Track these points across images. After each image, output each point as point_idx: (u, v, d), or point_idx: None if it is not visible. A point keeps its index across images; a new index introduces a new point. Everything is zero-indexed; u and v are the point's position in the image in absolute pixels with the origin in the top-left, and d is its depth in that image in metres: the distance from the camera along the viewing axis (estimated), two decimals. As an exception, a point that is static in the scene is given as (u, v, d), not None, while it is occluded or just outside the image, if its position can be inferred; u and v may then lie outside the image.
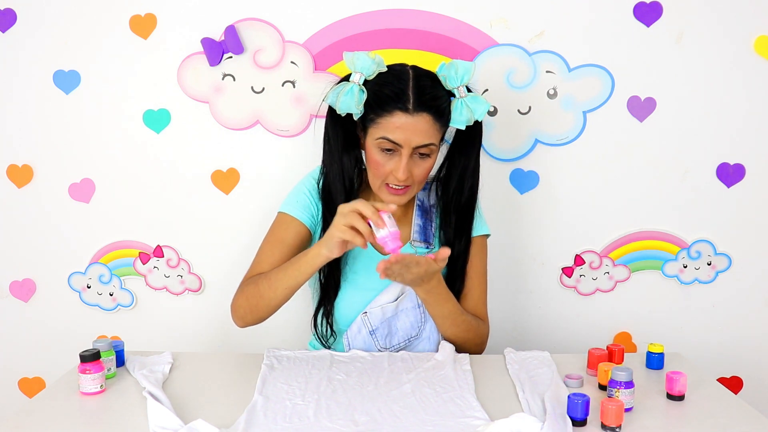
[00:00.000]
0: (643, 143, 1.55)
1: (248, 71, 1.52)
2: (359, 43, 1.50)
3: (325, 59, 1.51)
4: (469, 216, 1.32)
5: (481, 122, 1.26)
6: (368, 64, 1.19)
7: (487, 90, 1.52)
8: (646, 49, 1.51)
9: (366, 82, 1.20)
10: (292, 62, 1.52)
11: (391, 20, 1.50)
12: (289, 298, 1.20)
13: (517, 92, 1.53)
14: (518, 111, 1.54)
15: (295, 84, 1.52)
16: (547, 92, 1.53)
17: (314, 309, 1.32)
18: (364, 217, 1.08)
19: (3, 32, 1.52)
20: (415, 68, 1.23)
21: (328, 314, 1.30)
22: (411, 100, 1.17)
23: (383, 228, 1.07)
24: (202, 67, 1.52)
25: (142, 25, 1.51)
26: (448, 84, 1.21)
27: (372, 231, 1.08)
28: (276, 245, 1.28)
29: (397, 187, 1.23)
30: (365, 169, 1.32)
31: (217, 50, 1.50)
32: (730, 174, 1.56)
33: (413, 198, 1.35)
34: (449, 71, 1.21)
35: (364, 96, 1.19)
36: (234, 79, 1.53)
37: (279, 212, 1.31)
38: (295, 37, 1.51)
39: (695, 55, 1.51)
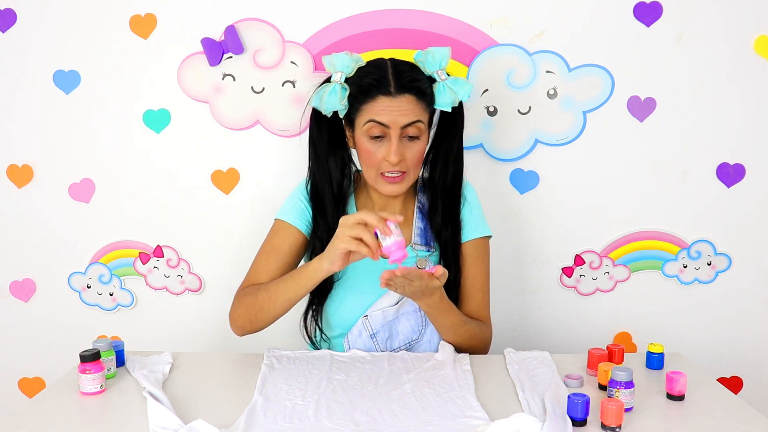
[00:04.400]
0: (643, 143, 1.55)
1: (248, 71, 1.52)
2: (359, 43, 1.50)
3: (325, 59, 1.51)
4: (455, 202, 1.32)
5: (461, 106, 1.27)
6: (347, 62, 1.21)
7: (487, 90, 1.52)
8: (646, 49, 1.51)
9: (347, 80, 1.22)
10: (292, 62, 1.52)
11: (391, 20, 1.50)
12: (288, 310, 1.21)
13: (517, 92, 1.53)
14: (518, 111, 1.54)
15: (295, 84, 1.52)
16: (547, 92, 1.53)
17: (304, 310, 1.32)
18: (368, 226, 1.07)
19: (3, 32, 1.52)
20: (392, 59, 1.25)
21: (316, 314, 1.30)
22: (392, 84, 1.19)
23: (389, 237, 1.07)
24: (202, 67, 1.52)
25: (142, 25, 1.51)
26: (427, 69, 1.23)
27: (379, 242, 1.07)
28: (272, 254, 1.28)
29: (392, 175, 1.23)
30: (357, 171, 1.32)
31: (217, 50, 1.50)
32: (730, 174, 1.56)
33: (414, 201, 1.35)
34: (426, 57, 1.23)
35: (347, 92, 1.21)
36: (234, 79, 1.53)
37: (275, 219, 1.32)
38: (295, 37, 1.51)
39: (695, 55, 1.51)
